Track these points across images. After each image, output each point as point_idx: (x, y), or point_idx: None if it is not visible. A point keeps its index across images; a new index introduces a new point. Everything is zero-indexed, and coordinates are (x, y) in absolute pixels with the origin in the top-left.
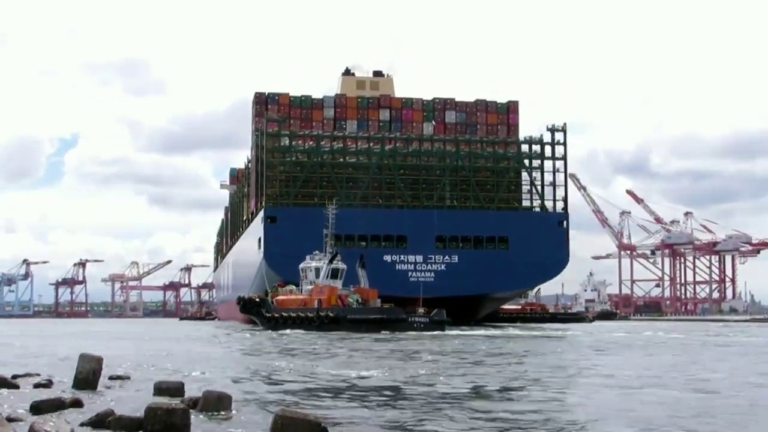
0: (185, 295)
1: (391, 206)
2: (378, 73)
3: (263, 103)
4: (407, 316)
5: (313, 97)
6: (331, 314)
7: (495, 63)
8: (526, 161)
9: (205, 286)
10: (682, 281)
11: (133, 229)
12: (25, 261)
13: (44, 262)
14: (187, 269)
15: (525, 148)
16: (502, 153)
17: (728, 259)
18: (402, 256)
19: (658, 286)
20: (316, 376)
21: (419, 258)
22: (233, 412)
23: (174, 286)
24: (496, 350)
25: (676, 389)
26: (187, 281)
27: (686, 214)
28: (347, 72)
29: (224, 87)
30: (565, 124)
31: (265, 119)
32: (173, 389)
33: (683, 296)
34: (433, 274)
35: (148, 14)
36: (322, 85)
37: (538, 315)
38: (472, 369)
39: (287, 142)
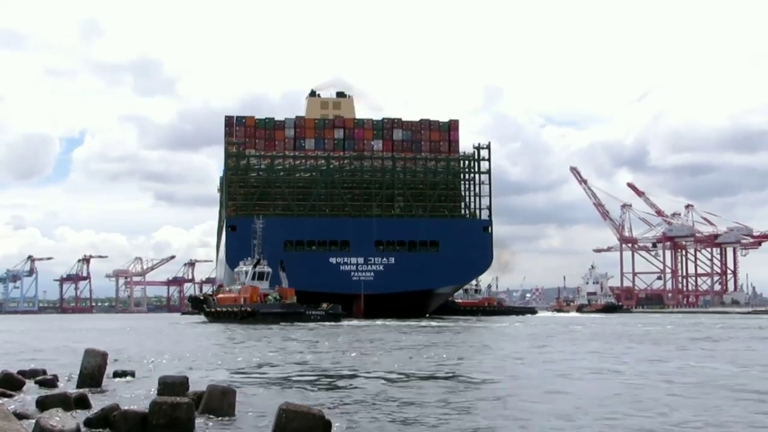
0: (189, 290)
1: (337, 215)
2: (340, 94)
3: (232, 125)
4: (305, 310)
5: (275, 119)
6: (248, 309)
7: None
8: (453, 174)
9: (208, 281)
10: (684, 274)
11: (139, 225)
12: (29, 257)
13: (48, 259)
14: (191, 264)
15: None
16: (434, 168)
17: (729, 251)
18: (345, 258)
19: (659, 278)
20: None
21: (360, 260)
22: (238, 406)
23: (177, 282)
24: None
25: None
26: (190, 276)
27: (687, 206)
28: (312, 94)
29: (231, 85)
30: (489, 142)
31: (225, 143)
32: (178, 384)
33: (685, 289)
34: (372, 274)
35: (157, 15)
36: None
37: (494, 308)
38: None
39: (247, 162)
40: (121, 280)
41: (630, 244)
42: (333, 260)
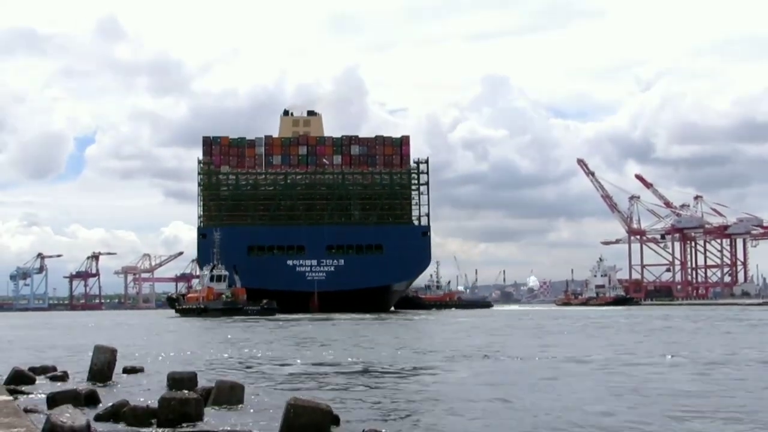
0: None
1: (293, 224)
2: (311, 113)
3: (209, 144)
4: (242, 306)
5: (247, 138)
6: (202, 306)
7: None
8: (401, 186)
9: None
10: (693, 265)
11: (149, 222)
12: (39, 255)
13: (58, 256)
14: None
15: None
16: (380, 180)
17: (739, 242)
18: (301, 261)
19: (668, 270)
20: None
21: (314, 262)
22: (246, 401)
23: (186, 278)
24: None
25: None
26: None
27: (696, 198)
28: (286, 113)
29: (243, 85)
30: (428, 157)
31: (197, 161)
32: (186, 380)
33: (694, 280)
34: (324, 274)
35: (172, 14)
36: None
37: (453, 303)
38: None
39: (217, 178)
40: (130, 277)
41: (638, 236)
42: (290, 263)
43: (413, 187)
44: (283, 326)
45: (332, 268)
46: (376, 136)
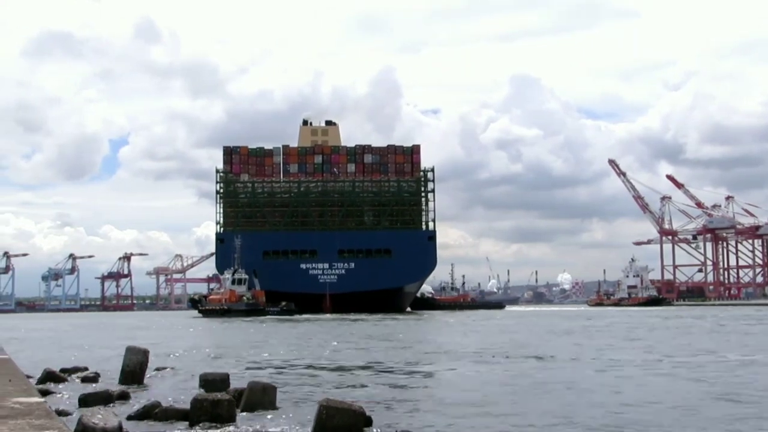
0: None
1: (307, 229)
2: (329, 122)
3: (229, 153)
4: (263, 308)
5: (265, 148)
6: (225, 308)
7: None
8: (411, 193)
9: None
10: (725, 266)
11: (182, 222)
12: (71, 255)
13: (90, 257)
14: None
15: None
16: (387, 188)
17: None
18: (314, 264)
19: (700, 271)
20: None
21: (326, 265)
22: (278, 402)
23: (217, 278)
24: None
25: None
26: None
27: (728, 198)
28: (305, 122)
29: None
30: (433, 167)
31: (215, 171)
32: (218, 381)
33: (726, 281)
34: (336, 277)
35: (207, 17)
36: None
37: (467, 304)
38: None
39: (234, 187)
40: (162, 278)
41: (670, 237)
42: (303, 266)
43: (422, 194)
44: (304, 326)
45: (343, 271)
46: (388, 146)
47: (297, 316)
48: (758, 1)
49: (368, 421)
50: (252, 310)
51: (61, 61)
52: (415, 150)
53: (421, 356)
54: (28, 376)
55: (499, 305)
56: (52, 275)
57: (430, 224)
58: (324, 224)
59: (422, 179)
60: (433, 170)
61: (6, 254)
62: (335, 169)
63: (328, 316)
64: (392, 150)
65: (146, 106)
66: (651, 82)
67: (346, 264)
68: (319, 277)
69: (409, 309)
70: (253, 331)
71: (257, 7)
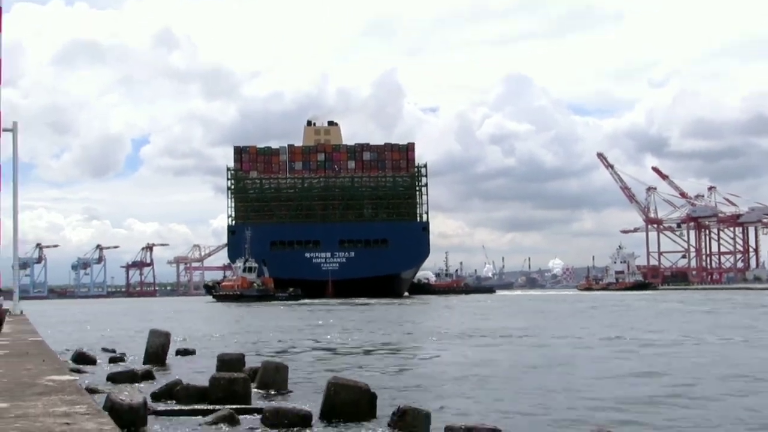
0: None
1: (310, 221)
2: (331, 123)
3: (239, 152)
4: (273, 293)
5: (272, 147)
6: (238, 293)
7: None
8: (406, 187)
9: None
10: (708, 252)
11: (199, 215)
12: (98, 246)
13: (115, 247)
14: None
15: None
16: (384, 183)
17: (751, 230)
18: (317, 253)
19: (684, 257)
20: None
21: (328, 254)
22: (290, 380)
23: (231, 267)
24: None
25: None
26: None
27: (710, 188)
28: (309, 123)
29: (288, 90)
30: (426, 163)
31: (226, 169)
32: (234, 360)
33: (708, 266)
34: (337, 265)
35: (222, 25)
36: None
37: (461, 288)
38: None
39: (243, 183)
40: (182, 266)
41: (655, 225)
42: (307, 255)
43: (416, 188)
44: (314, 311)
45: (344, 260)
46: (385, 144)
47: (303, 301)
48: (738, 3)
49: (373, 398)
50: (263, 296)
51: (88, 68)
52: (410, 147)
53: (421, 336)
54: (60, 356)
55: (490, 290)
56: (81, 264)
57: (424, 216)
58: (326, 217)
59: (417, 174)
60: (425, 166)
61: (39, 246)
62: (336, 166)
63: (333, 300)
64: (389, 148)
65: (166, 108)
66: (637, 80)
67: (346, 253)
68: (322, 265)
69: (406, 294)
70: (266, 315)
71: (269, 15)
